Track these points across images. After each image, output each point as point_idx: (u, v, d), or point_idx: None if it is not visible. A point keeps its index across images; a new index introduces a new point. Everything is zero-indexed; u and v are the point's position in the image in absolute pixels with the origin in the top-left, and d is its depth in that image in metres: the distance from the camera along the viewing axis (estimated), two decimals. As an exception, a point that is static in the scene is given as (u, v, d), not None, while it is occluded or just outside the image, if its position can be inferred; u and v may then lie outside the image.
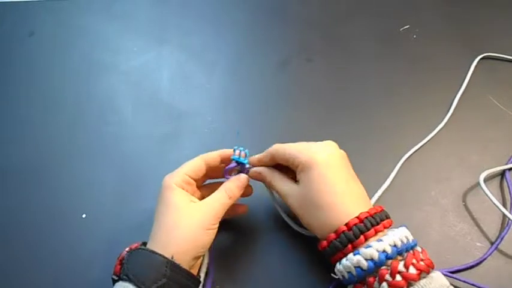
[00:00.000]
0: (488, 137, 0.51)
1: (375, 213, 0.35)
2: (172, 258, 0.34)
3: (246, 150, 0.42)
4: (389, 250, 0.32)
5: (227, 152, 0.42)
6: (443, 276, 0.33)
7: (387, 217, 0.36)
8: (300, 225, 0.42)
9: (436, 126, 0.52)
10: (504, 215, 0.44)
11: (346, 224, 0.34)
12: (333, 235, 0.35)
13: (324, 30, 0.64)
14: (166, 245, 0.35)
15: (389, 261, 0.32)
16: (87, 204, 0.47)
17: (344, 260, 0.34)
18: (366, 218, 0.34)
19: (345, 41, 0.62)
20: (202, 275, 0.39)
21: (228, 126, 0.54)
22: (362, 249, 0.33)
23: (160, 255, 0.34)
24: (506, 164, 0.48)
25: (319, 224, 0.36)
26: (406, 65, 0.59)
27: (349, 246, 0.34)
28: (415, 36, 0.62)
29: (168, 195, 0.38)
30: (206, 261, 0.40)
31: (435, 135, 0.51)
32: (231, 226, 0.45)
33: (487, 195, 0.43)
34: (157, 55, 0.62)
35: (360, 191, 0.38)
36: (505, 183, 0.47)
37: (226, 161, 0.42)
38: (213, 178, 0.44)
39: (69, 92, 0.58)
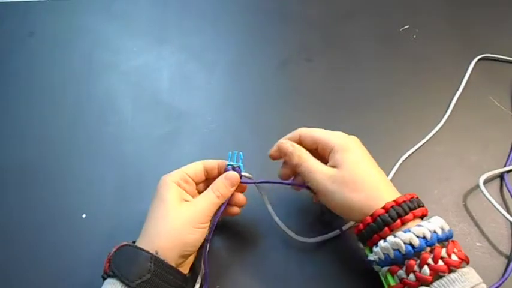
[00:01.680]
0: (488, 136, 0.51)
1: (412, 198, 0.35)
2: (156, 253, 0.35)
3: (241, 153, 0.42)
4: (429, 236, 0.32)
5: (221, 162, 0.42)
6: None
7: (422, 205, 0.36)
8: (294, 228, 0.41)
9: (435, 126, 0.52)
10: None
11: (383, 207, 0.34)
12: (369, 218, 0.35)
13: (324, 30, 0.64)
14: (152, 239, 0.36)
15: (428, 248, 0.32)
16: (87, 204, 0.47)
17: (382, 242, 0.34)
18: (404, 202, 0.35)
19: (345, 41, 0.62)
20: (197, 286, 0.39)
21: (228, 126, 0.54)
22: (400, 233, 0.33)
23: (144, 250, 0.34)
24: (505, 166, 0.48)
25: (356, 205, 0.36)
26: (406, 65, 0.59)
27: (386, 229, 0.34)
28: (415, 36, 0.62)
29: (161, 192, 0.38)
30: (201, 270, 0.40)
31: (434, 135, 0.51)
32: (232, 227, 0.45)
33: (487, 198, 0.43)
34: (157, 55, 0.62)
35: (388, 179, 0.38)
36: (505, 184, 0.47)
37: (222, 172, 0.42)
38: None
39: (69, 92, 0.58)
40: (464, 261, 0.32)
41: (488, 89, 0.55)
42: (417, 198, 0.36)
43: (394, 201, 0.35)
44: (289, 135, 0.41)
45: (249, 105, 0.56)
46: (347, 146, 0.38)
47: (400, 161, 0.49)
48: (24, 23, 0.67)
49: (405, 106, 0.55)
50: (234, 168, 0.41)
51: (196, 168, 0.41)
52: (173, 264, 0.35)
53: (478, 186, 0.45)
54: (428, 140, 0.51)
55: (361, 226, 0.36)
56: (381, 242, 0.34)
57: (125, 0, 0.69)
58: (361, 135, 0.52)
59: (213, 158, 0.43)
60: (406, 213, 0.34)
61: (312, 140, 0.40)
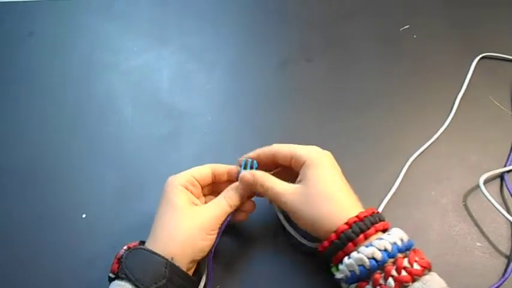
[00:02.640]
0: (489, 137, 0.51)
1: (373, 213, 0.36)
2: (172, 259, 0.34)
3: (255, 161, 0.41)
4: (389, 248, 0.33)
5: (233, 169, 0.41)
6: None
7: (383, 219, 0.37)
8: (303, 234, 0.41)
9: (439, 128, 0.52)
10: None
11: (347, 222, 0.35)
12: (333, 235, 0.35)
13: (324, 30, 0.64)
14: (166, 245, 0.35)
15: (391, 260, 0.33)
16: (87, 204, 0.47)
17: (346, 259, 0.34)
18: (366, 216, 0.35)
19: (345, 41, 0.62)
20: (202, 283, 0.39)
21: (228, 126, 0.54)
22: (363, 248, 0.33)
23: (160, 256, 0.34)
24: (505, 166, 0.48)
25: (320, 220, 0.36)
26: (406, 65, 0.59)
27: (350, 244, 0.34)
28: (415, 36, 0.62)
29: (170, 195, 0.38)
30: (205, 273, 0.40)
31: (438, 136, 0.51)
32: (233, 229, 0.45)
33: (487, 198, 0.43)
34: (157, 55, 0.62)
35: (353, 193, 0.38)
36: (505, 184, 0.47)
37: (233, 178, 0.42)
38: (219, 193, 0.42)
39: (69, 92, 0.58)
40: (427, 268, 0.33)
41: (489, 89, 0.55)
42: (377, 212, 0.37)
43: (357, 216, 0.35)
44: (262, 150, 0.41)
45: (249, 105, 0.56)
46: (317, 161, 0.38)
47: (407, 164, 0.48)
48: (24, 23, 0.67)
49: (405, 106, 0.55)
50: None
51: (203, 171, 0.41)
52: (184, 270, 0.35)
53: (478, 186, 0.45)
54: (432, 142, 0.51)
55: (325, 243, 0.36)
56: (346, 259, 0.34)
57: (124, 0, 0.69)
58: (361, 135, 0.52)
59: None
60: (368, 228, 0.34)
61: (286, 155, 0.40)
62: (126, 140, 0.53)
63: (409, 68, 0.58)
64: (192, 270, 0.39)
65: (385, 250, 0.33)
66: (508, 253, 0.42)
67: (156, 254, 0.34)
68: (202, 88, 0.58)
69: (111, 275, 0.35)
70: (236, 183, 0.40)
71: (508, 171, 0.48)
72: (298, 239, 0.41)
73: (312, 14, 0.66)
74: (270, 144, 0.42)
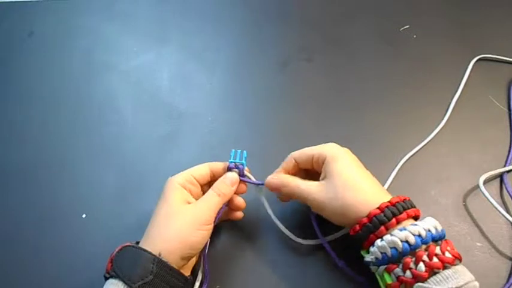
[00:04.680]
0: (488, 136, 0.51)
1: (404, 199, 0.37)
2: (159, 255, 0.35)
3: (244, 151, 0.42)
4: (424, 234, 0.33)
5: (227, 163, 0.42)
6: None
7: (415, 206, 0.37)
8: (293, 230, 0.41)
9: (436, 126, 0.52)
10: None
11: (379, 207, 0.35)
12: (365, 219, 0.36)
13: (324, 30, 0.64)
14: (155, 241, 0.36)
15: (424, 246, 0.33)
16: (87, 204, 0.47)
17: (379, 241, 0.35)
18: (398, 202, 0.36)
19: (345, 41, 0.62)
20: (197, 283, 0.39)
21: (228, 126, 0.54)
22: (396, 231, 0.34)
23: (147, 252, 0.35)
24: (504, 166, 0.48)
25: (349, 208, 0.36)
26: (405, 65, 0.59)
27: (382, 228, 0.35)
28: (415, 36, 0.62)
29: (166, 194, 0.39)
30: (201, 270, 0.40)
31: (435, 135, 0.51)
32: (232, 228, 0.45)
33: (487, 198, 0.43)
34: (157, 55, 0.62)
35: (379, 184, 0.39)
36: (504, 184, 0.47)
37: (226, 171, 0.42)
38: None
39: (69, 92, 0.58)
40: (458, 258, 0.33)
41: (488, 88, 0.55)
42: (409, 200, 0.37)
43: (389, 201, 0.36)
44: (284, 163, 0.42)
45: (249, 105, 0.56)
46: (337, 154, 0.39)
47: (400, 163, 0.49)
48: (24, 23, 0.67)
49: (405, 106, 0.55)
50: (236, 166, 0.41)
51: (202, 170, 0.41)
52: (175, 266, 0.35)
53: (478, 186, 0.45)
54: (430, 141, 0.51)
55: (357, 227, 0.36)
56: (378, 241, 0.35)
57: (124, 0, 0.69)
58: (361, 135, 0.52)
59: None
60: (401, 213, 0.35)
61: (306, 158, 0.41)
62: (126, 140, 0.53)
63: (408, 68, 0.58)
64: (187, 268, 0.39)
65: (419, 235, 0.33)
66: (508, 253, 0.42)
67: (143, 250, 0.35)
68: (202, 88, 0.58)
69: (106, 275, 0.35)
70: (223, 175, 0.41)
71: (508, 171, 0.48)
72: (288, 234, 0.42)
73: (312, 14, 0.66)
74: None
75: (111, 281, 0.34)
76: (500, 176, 0.47)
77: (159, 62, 0.61)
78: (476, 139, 0.51)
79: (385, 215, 0.35)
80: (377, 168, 0.48)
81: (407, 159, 0.49)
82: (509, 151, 0.49)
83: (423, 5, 0.66)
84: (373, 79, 0.58)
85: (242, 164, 0.41)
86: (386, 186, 0.47)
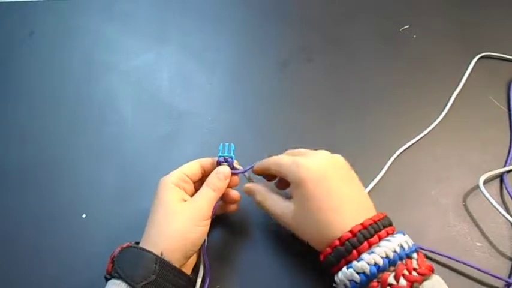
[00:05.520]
0: (488, 136, 0.51)
1: (378, 220, 0.35)
2: (161, 255, 0.35)
3: (232, 144, 0.42)
4: (380, 262, 0.32)
5: (215, 159, 0.42)
6: (442, 281, 0.33)
7: (390, 224, 0.36)
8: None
9: (436, 126, 0.52)
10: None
11: (339, 239, 0.34)
12: (328, 249, 0.35)
13: (324, 30, 0.64)
14: (156, 242, 0.36)
15: (391, 268, 0.32)
16: (87, 204, 0.47)
17: (345, 269, 0.33)
18: (359, 231, 0.34)
19: (345, 41, 0.62)
20: (199, 280, 0.39)
21: (228, 126, 0.54)
22: (354, 263, 0.33)
23: (149, 252, 0.35)
24: (504, 166, 0.48)
25: (318, 238, 0.36)
26: (405, 64, 0.59)
27: (355, 252, 0.33)
28: (415, 36, 0.62)
29: (161, 194, 0.39)
30: (202, 265, 0.40)
31: (432, 133, 0.51)
32: (232, 227, 0.45)
33: (487, 198, 0.43)
34: (157, 55, 0.62)
35: (359, 195, 0.38)
36: (504, 184, 0.47)
37: (216, 166, 0.42)
38: None
39: (69, 92, 0.58)
40: (426, 275, 0.32)
41: (489, 88, 0.55)
42: (383, 218, 0.35)
43: (350, 231, 0.34)
44: (261, 163, 0.42)
45: (249, 105, 0.56)
46: (300, 181, 0.37)
47: (394, 156, 0.49)
48: (24, 23, 0.67)
49: (405, 106, 0.55)
50: (226, 160, 0.42)
51: (193, 167, 0.42)
52: (177, 265, 0.36)
53: (478, 186, 0.45)
54: (429, 140, 0.51)
55: (328, 250, 0.35)
56: (344, 269, 0.33)
57: (125, 0, 0.69)
58: (361, 135, 0.52)
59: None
60: (361, 243, 0.33)
61: (279, 174, 0.40)
62: (126, 140, 0.53)
63: (408, 68, 0.58)
64: (188, 266, 0.39)
65: (375, 264, 0.32)
66: (508, 253, 0.42)
67: (145, 250, 0.35)
68: (202, 88, 0.58)
69: (107, 276, 0.35)
70: (215, 170, 0.41)
71: (508, 171, 0.48)
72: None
73: (312, 14, 0.66)
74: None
75: (113, 281, 0.34)
76: (500, 176, 0.48)
77: (159, 62, 0.61)
78: (476, 139, 0.51)
79: (345, 248, 0.33)
80: (377, 168, 0.48)
81: (406, 159, 0.49)
82: (509, 151, 0.49)
83: (423, 5, 0.66)
84: (373, 79, 0.58)
85: (231, 158, 0.42)
86: (386, 186, 0.47)
